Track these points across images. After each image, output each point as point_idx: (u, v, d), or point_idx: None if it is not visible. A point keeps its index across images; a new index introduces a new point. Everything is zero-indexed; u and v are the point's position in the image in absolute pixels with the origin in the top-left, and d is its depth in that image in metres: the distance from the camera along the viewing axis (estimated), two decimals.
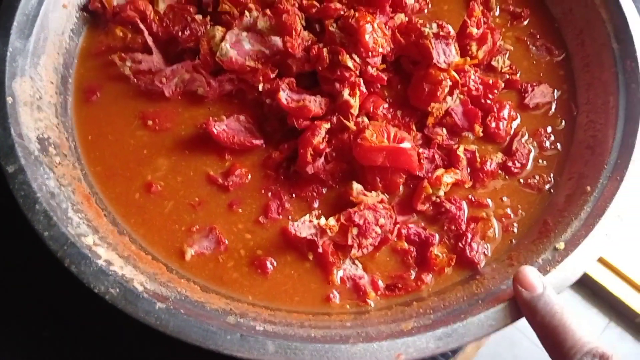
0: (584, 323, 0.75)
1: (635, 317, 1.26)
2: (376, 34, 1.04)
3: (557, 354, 0.73)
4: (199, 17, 1.13)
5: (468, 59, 1.05)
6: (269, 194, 1.01)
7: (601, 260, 1.29)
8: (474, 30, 1.07)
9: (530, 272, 0.81)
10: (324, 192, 1.02)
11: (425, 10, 1.20)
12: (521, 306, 0.80)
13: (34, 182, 0.89)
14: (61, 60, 1.09)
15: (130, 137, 1.05)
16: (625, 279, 1.24)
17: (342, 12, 1.10)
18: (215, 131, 1.02)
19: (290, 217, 1.00)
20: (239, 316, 0.85)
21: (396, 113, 1.07)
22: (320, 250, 0.94)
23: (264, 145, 1.06)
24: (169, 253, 0.96)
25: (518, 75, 1.13)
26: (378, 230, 0.95)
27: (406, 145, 0.98)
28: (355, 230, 0.94)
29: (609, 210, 0.89)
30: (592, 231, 0.88)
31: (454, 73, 1.04)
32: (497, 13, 1.21)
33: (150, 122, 1.06)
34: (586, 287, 1.71)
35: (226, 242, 0.97)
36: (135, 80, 1.09)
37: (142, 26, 1.11)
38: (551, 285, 0.81)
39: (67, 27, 1.12)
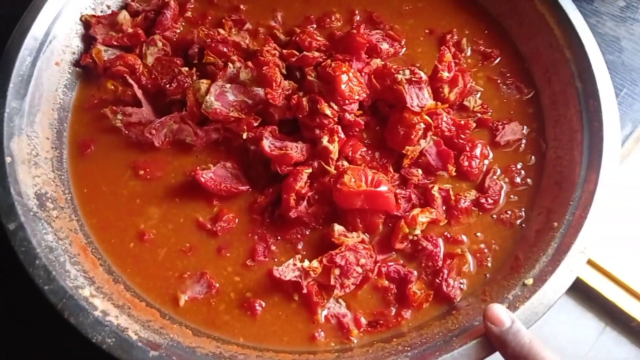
0: (552, 351, 0.81)
1: (631, 322, 1.30)
2: (352, 82, 1.10)
3: None
4: (185, 69, 1.19)
5: (439, 103, 1.11)
6: (256, 238, 1.07)
7: (595, 266, 1.33)
8: (445, 74, 1.13)
9: (497, 309, 0.86)
10: (308, 233, 1.08)
11: (401, 53, 1.26)
12: (493, 341, 0.86)
13: (33, 238, 0.95)
14: (56, 115, 1.15)
15: (123, 188, 1.11)
16: (620, 284, 1.28)
17: (320, 60, 1.17)
18: (202, 179, 1.08)
19: (276, 259, 1.05)
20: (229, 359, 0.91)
21: (374, 155, 1.13)
22: (304, 291, 0.99)
23: (249, 190, 1.11)
24: (163, 300, 1.02)
25: (489, 113, 1.19)
26: (359, 269, 1.00)
27: (383, 188, 1.03)
28: (337, 271, 0.99)
29: (574, 246, 0.95)
30: (558, 267, 0.93)
31: (426, 117, 1.09)
32: (468, 53, 1.27)
33: (141, 172, 1.12)
34: (581, 292, 1.74)
35: (217, 285, 1.03)
36: (126, 131, 1.15)
37: (131, 80, 1.17)
38: (520, 320, 0.87)
39: (60, 83, 1.18)
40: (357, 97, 1.10)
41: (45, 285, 0.91)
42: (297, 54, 1.18)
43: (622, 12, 1.39)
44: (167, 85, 1.17)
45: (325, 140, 1.08)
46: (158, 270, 1.04)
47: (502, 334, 0.84)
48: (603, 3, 1.40)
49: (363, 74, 1.15)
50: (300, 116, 1.11)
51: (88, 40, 1.24)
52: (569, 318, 1.50)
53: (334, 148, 1.08)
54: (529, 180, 1.12)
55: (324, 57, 1.18)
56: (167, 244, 1.07)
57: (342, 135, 1.10)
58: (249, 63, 1.14)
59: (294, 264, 0.98)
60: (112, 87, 1.20)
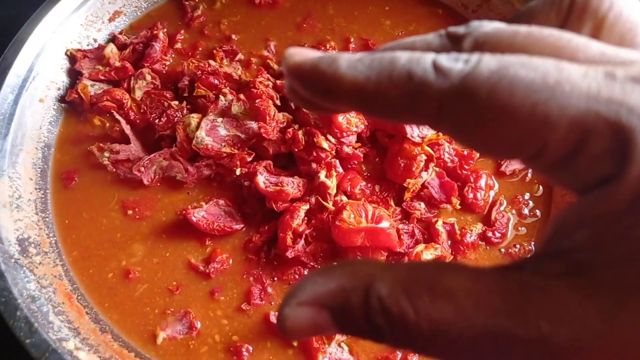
0: None
1: None
2: (349, 114, 1.05)
3: None
4: (175, 102, 1.14)
5: (441, 133, 1.06)
6: (251, 279, 1.01)
7: None
8: None
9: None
10: (306, 273, 1.02)
11: None
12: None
13: (14, 287, 0.89)
14: (39, 154, 1.10)
15: (104, 217, 1.06)
16: None
17: None
18: (194, 219, 1.02)
19: (272, 302, 0.99)
20: None
21: (374, 188, 1.08)
22: None
23: (244, 229, 1.06)
24: (141, 337, 0.95)
25: None
26: None
27: (384, 224, 0.98)
28: None
29: None
30: None
31: (427, 148, 1.05)
32: None
33: (130, 212, 1.07)
34: None
35: (198, 326, 0.97)
36: (114, 169, 1.10)
37: (118, 116, 1.13)
38: None
39: (44, 120, 1.13)
40: (354, 129, 1.06)
41: (27, 339, 0.85)
42: None
43: None
44: (157, 120, 1.12)
45: (322, 175, 1.03)
46: (135, 306, 0.98)
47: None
48: None
49: None
50: (296, 150, 1.06)
51: (73, 74, 1.19)
52: None
53: (332, 183, 1.03)
54: (537, 211, 1.07)
55: None
56: (151, 279, 1.01)
57: (340, 170, 1.05)
58: (241, 96, 1.10)
59: None
60: (99, 122, 1.16)
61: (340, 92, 0.34)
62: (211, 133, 1.07)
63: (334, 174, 1.04)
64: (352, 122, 1.05)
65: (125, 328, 0.97)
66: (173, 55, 1.25)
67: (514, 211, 1.08)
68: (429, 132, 1.06)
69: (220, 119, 1.08)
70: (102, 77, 1.18)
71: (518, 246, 1.04)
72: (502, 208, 1.07)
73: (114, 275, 1.01)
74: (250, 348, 0.95)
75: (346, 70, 0.34)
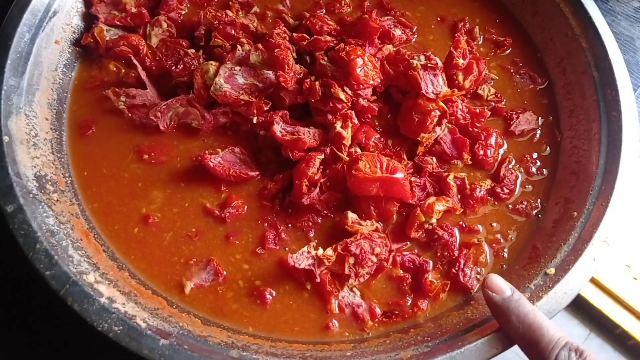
0: (552, 322, 0.79)
1: (616, 329, 1.29)
2: (367, 67, 1.07)
3: (535, 351, 0.76)
4: (191, 51, 1.15)
5: (456, 90, 1.08)
6: (266, 225, 1.03)
7: None
8: (460, 61, 1.11)
9: (497, 278, 0.84)
10: (319, 221, 1.04)
11: (413, 40, 1.24)
12: (494, 310, 0.83)
13: (33, 221, 0.90)
14: (55, 95, 1.10)
15: (124, 171, 1.07)
16: (606, 291, 1.27)
17: (332, 44, 1.14)
18: (211, 164, 1.03)
19: (287, 248, 1.01)
20: (242, 349, 0.87)
21: (387, 142, 1.10)
22: (317, 280, 0.96)
23: (259, 176, 1.07)
24: (168, 287, 0.97)
25: (503, 102, 1.17)
26: (374, 259, 0.97)
27: (399, 175, 1.00)
28: (352, 260, 0.96)
29: (596, 235, 0.93)
30: (581, 256, 0.91)
31: (442, 103, 1.07)
32: (480, 42, 1.25)
33: (145, 156, 1.07)
34: None
35: (224, 273, 0.99)
36: (129, 114, 1.10)
37: (135, 61, 1.13)
38: (543, 310, 0.84)
39: (60, 62, 1.13)
40: (371, 82, 1.07)
41: (47, 271, 0.86)
42: (308, 37, 1.15)
43: (637, 12, 1.39)
44: (173, 67, 1.13)
45: (338, 125, 1.05)
46: (163, 256, 1.00)
47: (504, 302, 0.81)
48: (618, 3, 1.39)
49: (376, 59, 1.12)
50: (313, 101, 1.07)
51: (89, 19, 1.19)
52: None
53: (347, 134, 1.05)
54: (544, 170, 1.11)
55: (335, 42, 1.14)
56: (172, 228, 1.02)
57: (356, 121, 1.07)
58: (259, 45, 1.10)
59: (308, 252, 0.95)
60: (115, 68, 1.16)
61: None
62: (229, 80, 1.07)
63: (350, 125, 1.05)
64: (369, 74, 1.07)
65: (153, 278, 0.98)
66: (188, 5, 1.25)
67: (521, 169, 1.10)
68: (443, 89, 1.07)
69: (238, 68, 1.09)
70: (118, 22, 1.18)
71: (525, 203, 1.07)
72: (510, 166, 1.10)
73: (140, 229, 1.02)
74: (274, 292, 0.97)
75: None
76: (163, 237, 1.01)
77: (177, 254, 1.00)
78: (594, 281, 1.28)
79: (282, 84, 1.06)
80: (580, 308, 1.58)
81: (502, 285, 0.82)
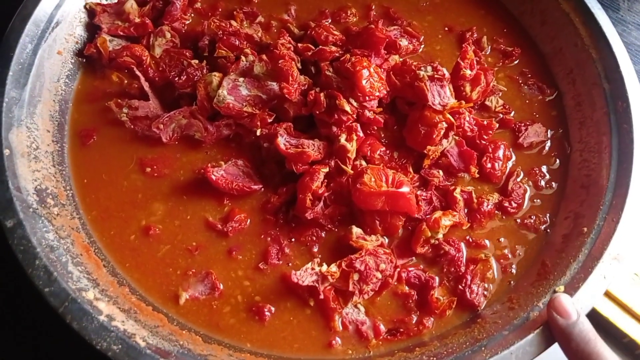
0: (613, 352, 0.76)
1: (623, 337, 1.27)
2: (373, 78, 1.05)
3: None
4: (195, 61, 1.13)
5: (463, 102, 1.06)
6: (269, 239, 1.01)
7: None
8: (467, 72, 1.09)
9: (565, 300, 0.82)
10: (323, 235, 1.02)
11: (420, 50, 1.22)
12: (556, 333, 0.81)
13: (33, 236, 0.89)
14: (57, 107, 1.09)
15: (124, 179, 1.05)
16: (613, 299, 1.25)
17: (337, 55, 1.12)
18: (213, 177, 1.02)
19: (290, 263, 1.00)
20: None
21: (393, 155, 1.08)
22: (321, 296, 0.94)
23: (262, 189, 1.06)
24: (163, 297, 0.96)
25: (511, 114, 1.15)
26: (379, 275, 0.95)
27: (405, 189, 0.98)
28: (356, 276, 0.94)
29: (607, 252, 0.90)
30: (591, 274, 0.89)
31: (449, 115, 1.05)
32: (488, 52, 1.22)
33: (148, 169, 1.06)
34: None
35: (221, 287, 0.97)
36: (132, 126, 1.09)
37: (138, 72, 1.11)
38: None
39: (62, 73, 1.12)
40: (377, 94, 1.05)
41: (46, 287, 0.85)
42: (313, 48, 1.13)
43: None
44: (176, 78, 1.11)
45: (343, 138, 1.03)
46: (157, 266, 0.98)
47: (568, 327, 0.79)
48: (629, 12, 1.36)
49: (382, 70, 1.10)
50: (317, 112, 1.06)
51: (92, 29, 1.17)
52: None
53: (352, 147, 1.03)
54: (553, 183, 1.08)
55: (341, 52, 1.13)
56: (172, 241, 1.01)
57: (361, 134, 1.05)
58: (264, 56, 1.09)
59: (312, 268, 0.93)
60: (117, 79, 1.15)
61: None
62: (233, 92, 1.06)
63: (355, 137, 1.04)
64: (375, 86, 1.05)
65: (147, 288, 0.97)
66: (192, 15, 1.24)
67: (530, 183, 1.08)
68: (450, 100, 1.05)
69: (242, 79, 1.08)
70: (121, 33, 1.17)
71: (534, 217, 1.05)
72: (519, 179, 1.08)
73: (136, 237, 1.00)
74: (273, 309, 0.95)
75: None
76: (159, 248, 1.00)
77: (172, 265, 0.98)
78: None
79: (286, 95, 1.04)
80: (588, 317, 1.56)
81: (569, 309, 0.80)
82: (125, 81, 1.14)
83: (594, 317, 1.24)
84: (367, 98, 1.04)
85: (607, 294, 1.24)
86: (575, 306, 0.80)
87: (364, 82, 1.03)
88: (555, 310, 0.81)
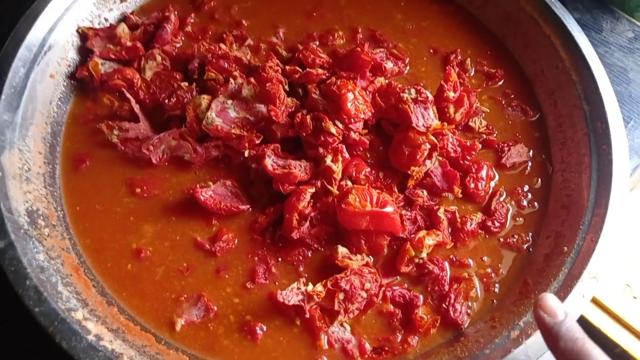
0: (602, 351, 0.76)
1: (615, 348, 1.28)
2: (357, 101, 1.07)
3: None
4: (185, 84, 1.16)
5: (446, 123, 1.09)
6: (256, 259, 1.03)
7: None
8: (451, 94, 1.11)
9: (551, 299, 0.81)
10: (310, 255, 1.04)
11: (405, 72, 1.25)
12: (544, 332, 0.79)
13: (23, 257, 0.91)
14: (49, 129, 1.11)
15: (117, 206, 1.07)
16: (605, 310, 1.26)
17: (323, 77, 1.15)
18: (202, 198, 1.04)
19: (277, 282, 1.01)
20: None
21: (378, 175, 1.10)
22: (307, 315, 0.95)
23: (250, 210, 1.08)
24: (159, 324, 0.97)
25: (494, 135, 1.17)
26: (364, 294, 0.97)
27: (389, 209, 1.00)
28: (341, 295, 0.96)
29: (585, 272, 0.92)
30: (570, 293, 0.91)
31: (432, 137, 1.07)
32: (472, 73, 1.25)
33: (138, 190, 1.08)
34: None
35: (215, 308, 0.98)
36: (122, 147, 1.11)
37: (128, 95, 1.14)
38: (531, 348, 0.84)
39: (54, 96, 1.14)
40: (362, 116, 1.08)
41: (36, 307, 0.87)
42: (300, 70, 1.16)
43: (630, 43, 1.39)
44: (166, 101, 1.14)
45: (328, 159, 1.06)
46: (155, 292, 1.00)
47: (555, 325, 0.78)
48: (611, 33, 1.39)
49: (367, 92, 1.12)
50: (304, 134, 1.08)
51: (84, 52, 1.20)
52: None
53: (338, 168, 1.05)
54: (535, 203, 1.10)
55: (327, 74, 1.15)
56: (164, 262, 1.02)
57: (347, 155, 1.07)
58: (252, 79, 1.11)
59: (298, 288, 0.95)
60: (108, 101, 1.17)
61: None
62: (221, 114, 1.08)
63: (340, 159, 1.06)
64: (360, 108, 1.07)
65: (146, 317, 0.98)
66: (183, 38, 1.26)
67: (513, 202, 1.10)
68: (434, 122, 1.08)
69: (230, 101, 1.10)
70: (113, 56, 1.19)
71: (516, 236, 1.07)
72: (501, 199, 1.10)
73: (133, 265, 1.02)
74: (264, 327, 0.97)
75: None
76: (156, 271, 1.01)
77: (169, 289, 1.00)
78: (593, 300, 1.27)
79: (274, 118, 1.07)
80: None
81: (556, 308, 0.78)
82: (117, 103, 1.16)
83: (586, 327, 1.26)
84: (352, 120, 1.07)
85: (599, 305, 1.26)
86: (561, 306, 0.81)
87: (349, 104, 1.06)
88: (542, 309, 0.80)
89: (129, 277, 1.01)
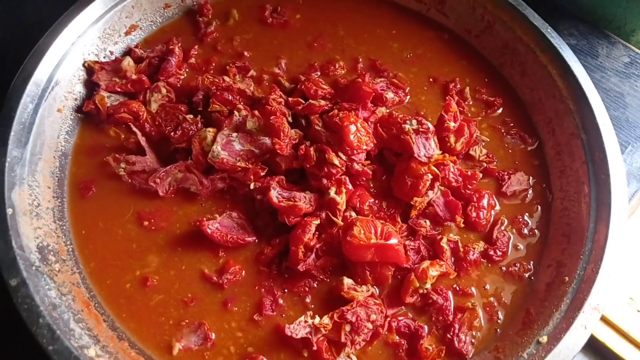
0: None
1: None
2: (360, 133, 1.10)
3: None
4: (190, 116, 1.18)
5: (447, 155, 1.11)
6: (263, 290, 1.05)
7: None
8: (452, 124, 1.14)
9: None
10: (316, 286, 1.06)
11: (405, 101, 1.27)
12: None
13: (36, 294, 0.92)
14: (57, 163, 1.13)
15: (119, 227, 1.09)
16: (609, 324, 1.27)
17: (326, 108, 1.17)
18: (209, 231, 1.06)
19: (284, 314, 1.03)
20: None
21: (381, 205, 1.12)
22: (314, 347, 0.97)
23: (256, 241, 1.09)
24: (158, 348, 0.99)
25: (495, 163, 1.19)
26: (370, 325, 0.98)
27: (393, 241, 1.02)
28: (348, 327, 0.97)
29: (587, 303, 0.95)
30: (572, 325, 0.93)
31: (433, 167, 1.09)
32: (471, 102, 1.27)
33: (146, 223, 1.10)
34: None
35: (213, 337, 1.00)
36: (129, 180, 1.13)
37: (135, 128, 1.16)
38: None
39: (62, 129, 1.16)
40: (365, 147, 1.10)
41: (50, 346, 0.88)
42: (303, 102, 1.18)
43: (627, 68, 1.42)
44: (172, 133, 1.16)
45: (332, 191, 1.08)
46: (150, 315, 1.01)
47: None
48: (607, 59, 1.42)
49: (369, 122, 1.15)
50: (308, 166, 1.10)
51: (90, 86, 1.22)
52: None
53: (342, 199, 1.07)
54: (536, 231, 1.13)
55: (330, 105, 1.18)
56: (168, 290, 1.04)
57: (350, 186, 1.09)
58: (256, 112, 1.13)
59: (305, 321, 0.96)
60: (114, 134, 1.19)
61: None
62: (226, 147, 1.10)
63: (344, 190, 1.08)
64: (362, 140, 1.10)
65: (142, 338, 0.99)
66: (187, 70, 1.29)
67: (514, 230, 1.13)
68: (435, 152, 1.10)
69: (235, 134, 1.12)
70: (119, 89, 1.22)
71: (518, 265, 1.09)
72: (503, 227, 1.12)
73: (132, 286, 1.04)
74: (265, 359, 0.98)
75: None
76: (153, 297, 1.03)
77: (165, 314, 1.01)
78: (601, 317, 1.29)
79: (278, 151, 1.09)
80: (586, 343, 1.58)
81: None
82: (123, 136, 1.18)
83: (592, 343, 1.27)
84: (354, 152, 1.09)
85: (603, 319, 1.27)
86: None
87: (351, 136, 1.08)
88: None
89: (126, 296, 1.03)
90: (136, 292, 1.03)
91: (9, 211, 0.99)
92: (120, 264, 1.06)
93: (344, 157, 1.10)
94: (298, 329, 0.95)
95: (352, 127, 1.09)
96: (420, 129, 1.11)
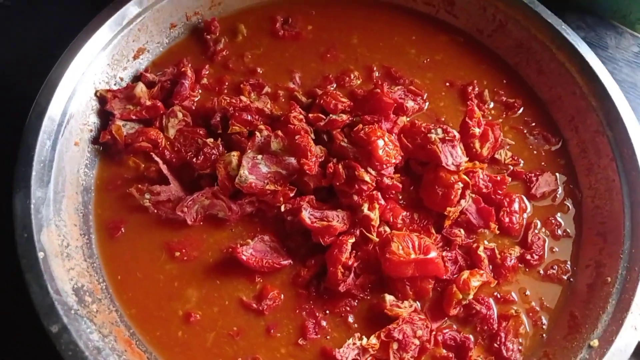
0: None
1: None
2: (388, 147, 1.08)
3: None
4: (210, 140, 1.15)
5: (477, 162, 1.10)
6: (304, 314, 1.04)
7: None
8: (476, 130, 1.13)
9: None
10: (356, 304, 1.05)
11: (425, 108, 1.26)
12: None
13: (79, 340, 0.90)
14: (80, 199, 1.10)
15: (159, 273, 1.06)
16: None
17: (348, 122, 1.15)
18: (244, 258, 1.04)
19: (328, 336, 1.02)
20: None
21: (413, 217, 1.11)
22: None
23: (291, 264, 1.08)
24: None
25: (521, 165, 1.19)
26: (416, 341, 0.98)
27: (432, 254, 1.02)
28: (395, 345, 0.97)
29: (634, 303, 0.95)
30: (622, 326, 0.93)
31: (464, 175, 1.09)
32: (491, 105, 1.27)
33: (177, 253, 1.08)
34: None
35: None
36: (155, 210, 1.11)
37: (156, 157, 1.13)
38: None
39: (81, 163, 1.13)
40: (394, 161, 1.09)
41: None
42: (324, 117, 1.16)
43: (637, 57, 1.42)
44: (194, 159, 1.13)
45: (365, 208, 1.06)
46: (207, 357, 0.99)
47: None
48: (617, 49, 1.42)
49: (394, 134, 1.14)
50: (337, 184, 1.09)
51: (104, 115, 1.19)
52: None
53: (375, 215, 1.06)
54: (569, 231, 1.12)
55: (351, 118, 1.16)
56: (215, 327, 1.02)
57: (382, 201, 1.08)
58: (279, 132, 1.11)
59: (354, 343, 0.96)
60: (134, 164, 1.16)
61: None
62: (253, 171, 1.08)
63: (377, 206, 1.07)
64: (391, 154, 1.08)
65: None
66: (200, 91, 1.26)
67: (547, 232, 1.12)
68: (463, 159, 1.09)
69: (260, 156, 1.10)
70: (134, 117, 1.19)
71: (556, 267, 1.09)
72: (536, 230, 1.12)
73: (184, 332, 1.01)
74: None
75: None
76: (207, 337, 1.01)
77: (221, 355, 1.00)
78: None
79: (307, 171, 1.07)
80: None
81: None
82: (142, 165, 1.16)
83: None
84: (384, 166, 1.08)
85: None
86: None
87: (380, 151, 1.07)
88: None
89: (180, 344, 1.00)
90: (191, 338, 1.01)
91: (41, 255, 0.96)
92: (164, 315, 1.03)
93: (373, 173, 1.08)
94: (347, 352, 0.95)
95: (380, 142, 1.08)
96: (447, 138, 1.10)
